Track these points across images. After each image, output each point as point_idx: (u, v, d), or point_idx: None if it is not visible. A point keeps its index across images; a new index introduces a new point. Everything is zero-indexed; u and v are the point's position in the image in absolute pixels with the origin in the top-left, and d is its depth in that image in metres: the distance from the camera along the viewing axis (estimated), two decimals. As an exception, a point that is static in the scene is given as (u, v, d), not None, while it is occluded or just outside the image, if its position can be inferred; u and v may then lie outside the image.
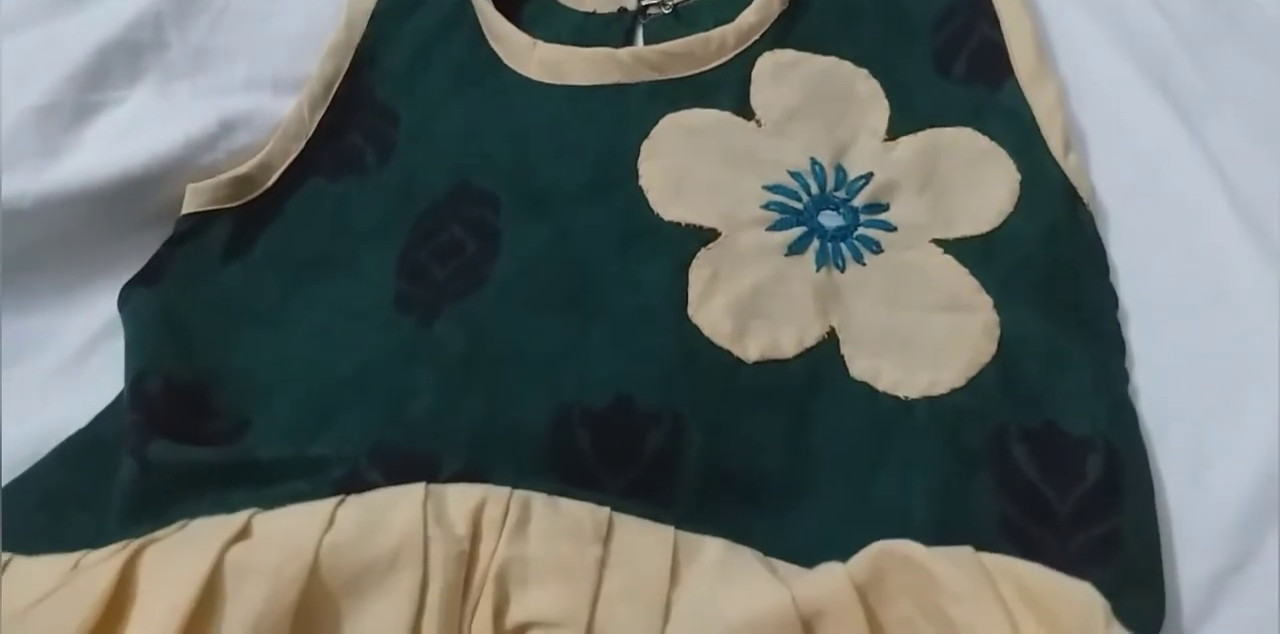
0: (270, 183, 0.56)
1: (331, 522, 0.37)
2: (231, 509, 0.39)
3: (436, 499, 0.38)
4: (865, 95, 0.55)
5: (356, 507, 0.38)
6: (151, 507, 0.40)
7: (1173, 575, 0.44)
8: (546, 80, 0.57)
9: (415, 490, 0.38)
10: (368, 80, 0.60)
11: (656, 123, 0.54)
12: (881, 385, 0.47)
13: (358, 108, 0.59)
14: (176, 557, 0.36)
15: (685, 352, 0.47)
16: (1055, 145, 0.53)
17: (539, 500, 0.39)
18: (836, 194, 0.52)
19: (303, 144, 0.57)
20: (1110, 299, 0.50)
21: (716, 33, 0.56)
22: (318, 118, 0.58)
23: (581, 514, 0.39)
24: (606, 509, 0.40)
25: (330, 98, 0.59)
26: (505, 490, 0.39)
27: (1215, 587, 0.44)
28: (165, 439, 0.43)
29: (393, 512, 0.38)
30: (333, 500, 0.38)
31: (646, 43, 0.59)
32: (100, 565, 0.36)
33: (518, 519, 0.38)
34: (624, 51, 0.56)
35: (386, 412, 0.46)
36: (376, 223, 0.54)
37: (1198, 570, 0.44)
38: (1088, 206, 0.52)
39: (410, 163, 0.56)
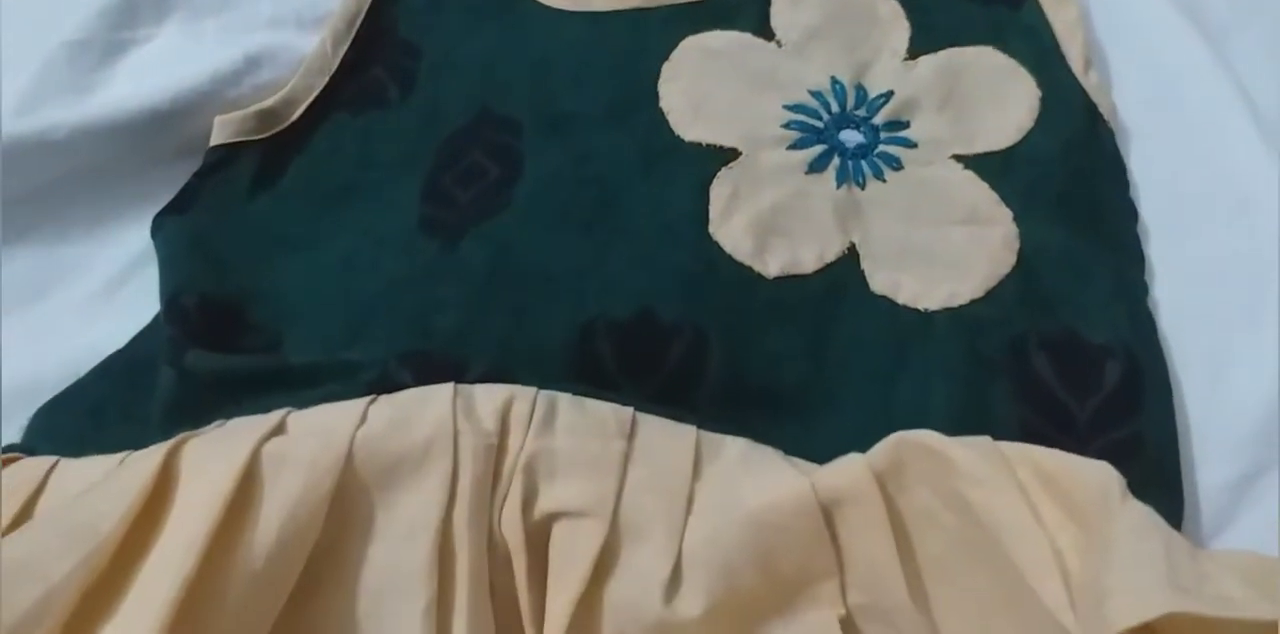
0: (295, 117, 0.57)
1: (364, 418, 0.38)
2: (268, 411, 0.40)
3: (465, 397, 0.39)
4: (886, 16, 0.56)
5: (388, 404, 0.39)
6: (190, 413, 0.41)
7: (1191, 482, 0.44)
8: (567, 8, 0.58)
9: (444, 389, 0.39)
10: (390, 16, 0.60)
11: (676, 45, 0.55)
12: (902, 298, 0.47)
13: (380, 43, 0.59)
14: (216, 449, 0.37)
15: (707, 267, 0.47)
16: (1075, 63, 0.53)
17: (564, 399, 0.40)
18: (857, 112, 0.53)
19: (326, 79, 0.58)
20: (1130, 213, 0.50)
21: (736, -45, 0.57)
22: (341, 53, 0.59)
23: (606, 413, 0.40)
24: (630, 409, 0.40)
25: (353, 34, 0.59)
26: (531, 390, 0.40)
27: (1234, 494, 0.45)
28: (201, 349, 0.44)
29: (423, 408, 0.39)
30: (365, 399, 0.39)
31: (667, -32, 0.60)
32: (144, 458, 0.37)
33: (544, 415, 0.39)
34: (647, -23, 0.57)
35: (414, 326, 0.46)
36: (400, 153, 0.55)
37: (1216, 478, 0.45)
38: (1108, 123, 0.52)
39: (432, 95, 0.57)
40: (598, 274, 0.47)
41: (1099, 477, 0.34)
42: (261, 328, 0.48)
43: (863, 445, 0.42)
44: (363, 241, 0.52)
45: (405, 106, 0.57)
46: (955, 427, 0.43)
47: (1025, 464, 0.36)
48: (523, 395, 0.40)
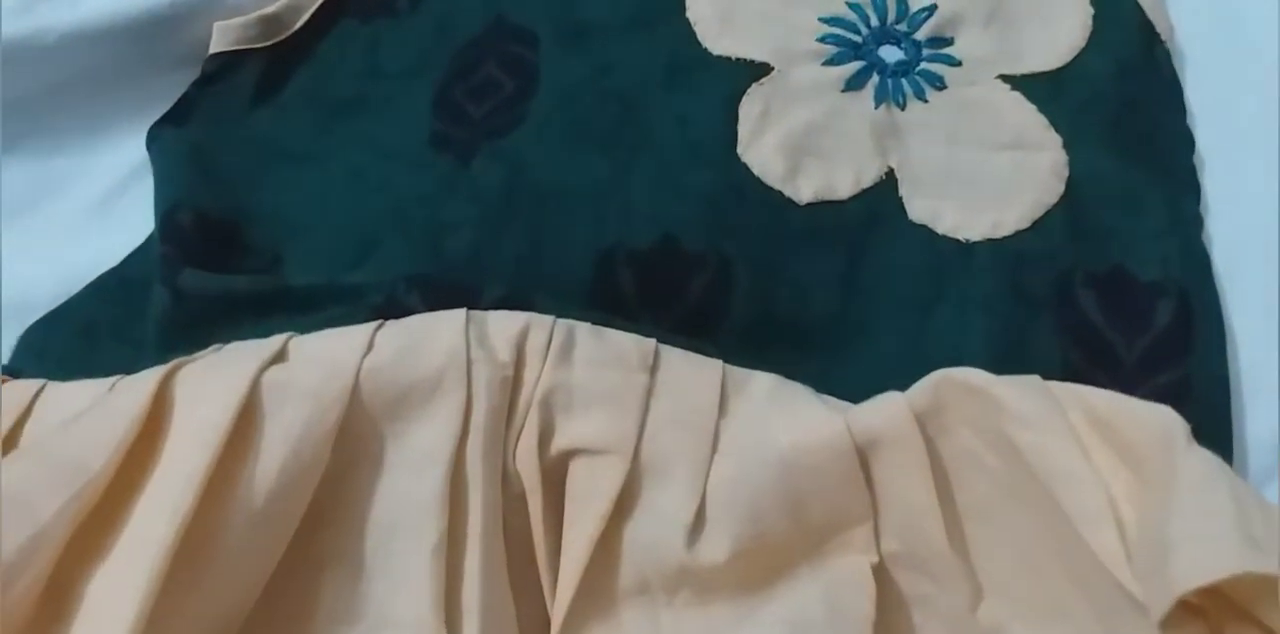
0: (300, 24, 0.54)
1: (371, 345, 0.36)
2: (267, 336, 0.37)
3: (478, 324, 0.37)
4: (929, -72, 0.52)
5: (396, 331, 0.37)
6: (185, 336, 0.39)
7: (1240, 431, 0.42)
8: None
9: (456, 315, 0.37)
10: (398, -77, 0.57)
11: None
12: (941, 228, 0.45)
13: None
14: (213, 376, 0.35)
15: (734, 191, 0.45)
16: (1132, -22, 0.50)
17: (583, 329, 0.38)
18: (897, 27, 0.49)
19: None
20: (1186, 140, 0.47)
21: None
22: None
23: (627, 344, 0.38)
24: (652, 340, 0.38)
25: None
26: (549, 318, 0.38)
27: (1283, 447, 0.42)
28: (197, 269, 0.41)
29: (434, 335, 0.36)
30: (371, 325, 0.37)
31: None
32: (136, 384, 0.34)
33: (562, 346, 0.37)
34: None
35: (425, 246, 0.44)
36: (409, 63, 0.52)
37: (1267, 427, 0.43)
38: (1165, 44, 0.49)
39: (443, 2, 0.53)
40: (617, 197, 0.45)
41: (1159, 421, 0.32)
42: (260, 249, 0.45)
43: (894, 381, 0.40)
44: (370, 156, 0.49)
45: (415, 14, 0.54)
46: (993, 363, 0.41)
47: (1076, 406, 0.33)
48: (539, 324, 0.37)
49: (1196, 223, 0.45)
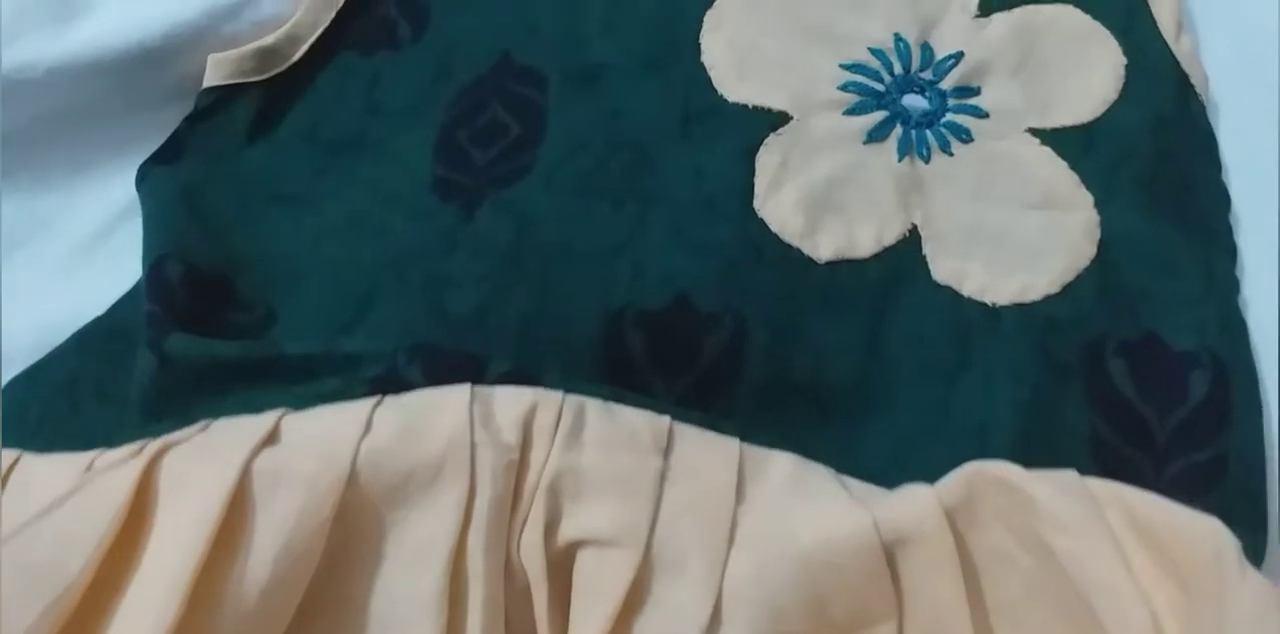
0: (298, 56, 0.52)
1: (369, 425, 0.34)
2: (258, 409, 0.36)
3: (483, 402, 0.35)
4: (956, -35, 0.50)
5: (396, 409, 0.35)
6: (172, 404, 0.37)
7: (1274, 513, 0.40)
8: None
9: (460, 392, 0.35)
10: (403, -58, 0.54)
11: None
12: (967, 290, 0.43)
13: None
14: (200, 463, 0.33)
15: (750, 248, 0.43)
16: (1166, 25, 0.48)
17: (594, 406, 0.36)
18: (922, 75, 0.47)
19: (333, 14, 0.53)
20: (1222, 197, 0.45)
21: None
22: None
23: (640, 423, 0.36)
24: (667, 418, 0.36)
25: None
26: (557, 394, 0.36)
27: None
28: (184, 331, 0.39)
29: (436, 415, 0.34)
30: (369, 401, 0.35)
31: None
32: (117, 471, 0.32)
33: (571, 426, 0.35)
34: (687, -89, 0.51)
35: (426, 304, 0.42)
36: (412, 100, 0.50)
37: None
38: (1200, 97, 0.47)
39: (447, 35, 0.51)
40: (629, 254, 0.43)
41: (1210, 536, 0.30)
42: (252, 303, 0.43)
43: (917, 452, 0.39)
44: (370, 200, 0.47)
45: (418, 47, 0.52)
46: (1020, 436, 0.40)
47: (1116, 506, 0.32)
48: (547, 402, 0.35)
49: (1233, 286, 0.44)
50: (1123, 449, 0.40)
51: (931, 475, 0.36)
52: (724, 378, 0.41)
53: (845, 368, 0.42)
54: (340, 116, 0.50)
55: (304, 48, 0.52)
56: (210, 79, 0.50)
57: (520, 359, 0.39)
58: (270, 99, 0.50)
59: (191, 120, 0.50)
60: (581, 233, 0.43)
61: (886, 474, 0.37)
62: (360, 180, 0.48)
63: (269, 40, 0.51)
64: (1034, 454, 0.38)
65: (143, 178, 0.48)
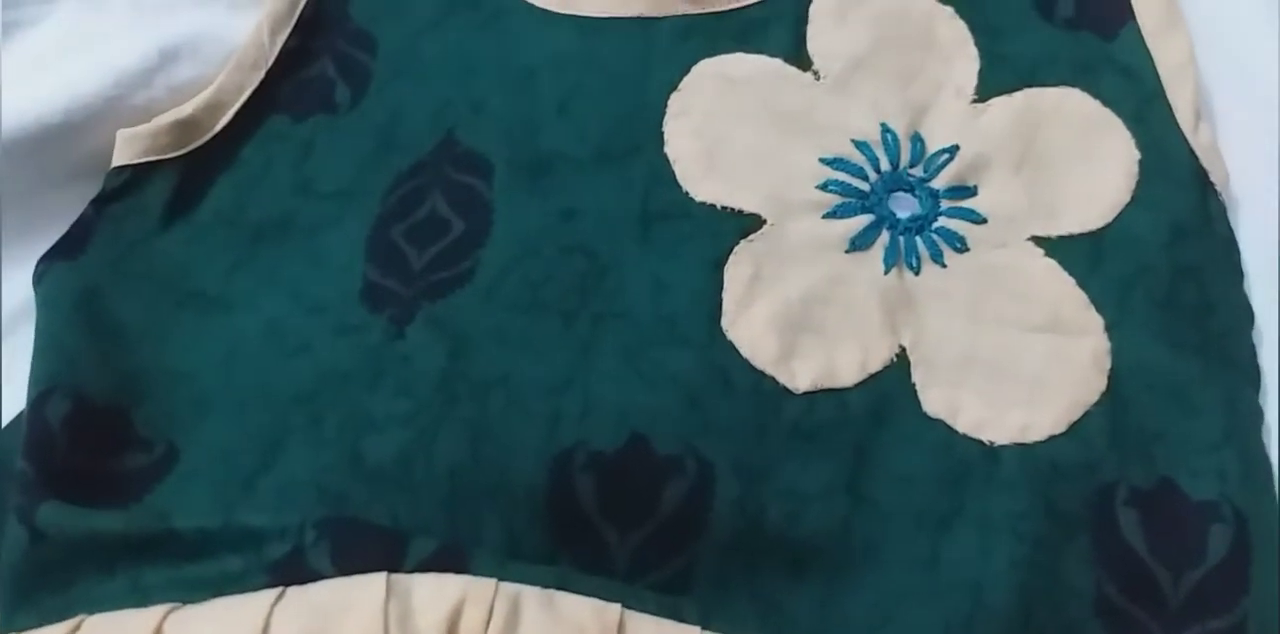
0: (220, 126, 0.47)
1: (267, 628, 0.29)
2: (145, 594, 0.31)
3: (401, 598, 0.30)
4: (949, 41, 0.45)
5: (299, 608, 0.30)
6: (47, 582, 0.33)
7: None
8: (552, 8, 0.46)
9: (374, 585, 0.30)
10: (342, -6, 0.49)
11: (688, 70, 0.44)
12: (961, 425, 0.38)
13: (328, 29, 0.49)
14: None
15: (716, 377, 0.38)
16: (1184, 114, 0.43)
17: (531, 597, 0.31)
18: (912, 172, 0.42)
19: (261, 75, 0.47)
20: (1244, 316, 0.41)
21: (767, -47, 0.45)
22: (280, 42, 0.48)
23: (584, 615, 0.31)
24: (616, 607, 0.32)
25: (296, 16, 0.49)
26: (489, 584, 0.31)
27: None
28: (65, 491, 0.34)
29: (344, 616, 0.30)
30: (269, 595, 0.30)
31: (678, -37, 0.48)
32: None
33: (505, 624, 0.30)
34: (650, -24, 0.46)
35: (341, 450, 0.37)
36: (345, 182, 0.45)
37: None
38: (1220, 196, 0.42)
39: (388, 103, 0.46)
40: (578, 384, 0.38)
41: None
42: (152, 439, 0.38)
43: (904, 613, 0.36)
44: (291, 308, 0.42)
45: (356, 114, 0.47)
46: (1018, 595, 0.36)
47: None
48: (477, 595, 0.31)
49: (1256, 418, 0.39)
50: (1131, 612, 0.36)
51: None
52: (686, 530, 0.36)
53: (824, 517, 0.37)
54: (266, 195, 0.45)
55: (228, 116, 0.47)
56: (120, 157, 0.45)
57: (449, 516, 0.34)
58: (188, 177, 0.46)
59: (99, 203, 0.45)
60: (524, 360, 0.38)
61: None
62: (283, 281, 0.43)
63: (187, 110, 0.46)
64: (1034, 616, 0.35)
65: (40, 277, 0.43)
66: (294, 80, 0.47)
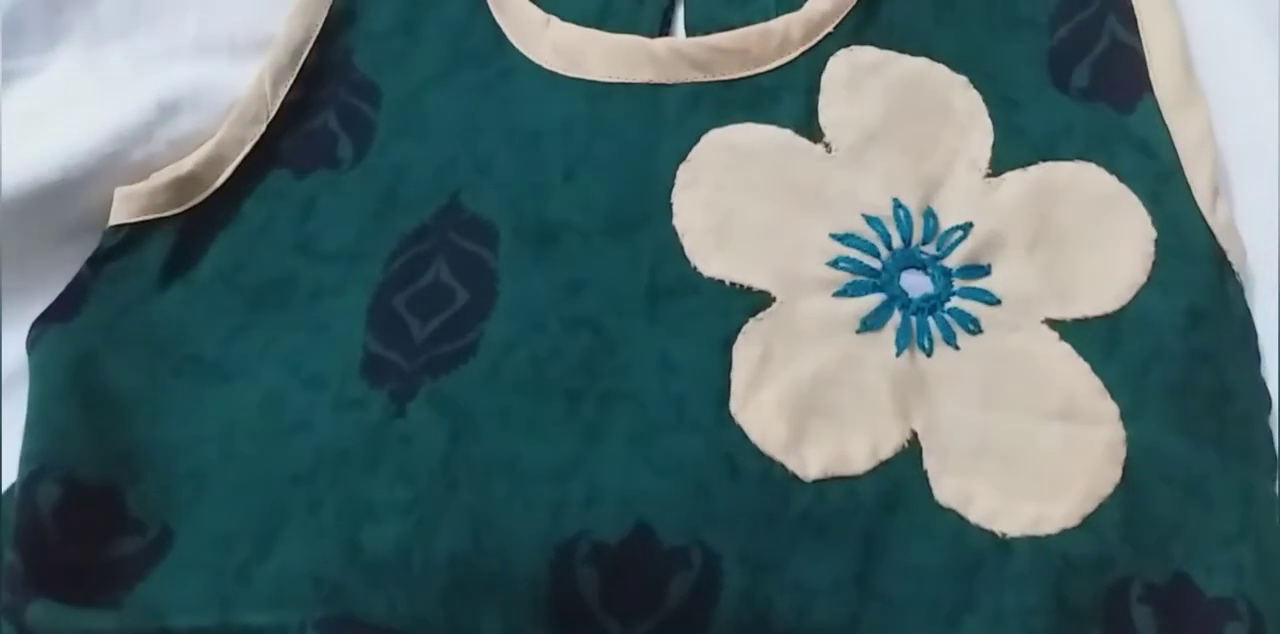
0: (220, 181, 0.46)
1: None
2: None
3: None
4: (964, 112, 0.44)
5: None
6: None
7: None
8: (560, 70, 0.46)
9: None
10: (345, 44, 0.48)
11: (697, 140, 0.43)
12: (974, 515, 0.37)
13: (331, 79, 0.48)
14: None
15: (724, 465, 0.37)
16: (1201, 191, 0.42)
17: None
18: (925, 249, 0.42)
19: (263, 128, 0.46)
20: (1261, 400, 0.40)
21: (779, 23, 0.44)
22: (282, 95, 0.47)
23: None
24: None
25: (299, 68, 0.48)
26: None
27: None
28: (54, 586, 0.33)
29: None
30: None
31: (689, 30, 0.47)
32: None
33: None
34: (659, 42, 0.45)
35: (341, 540, 0.36)
36: (348, 241, 0.44)
37: None
38: (1237, 276, 0.41)
39: (393, 161, 0.45)
40: (583, 471, 0.37)
41: None
42: (146, 521, 0.38)
43: None
44: (290, 380, 0.41)
45: (360, 170, 0.46)
46: None
47: None
48: None
49: (1273, 511, 0.38)
50: None
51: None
52: (691, 624, 0.36)
53: (832, 611, 0.36)
54: (267, 254, 0.44)
55: (229, 169, 0.46)
56: (117, 216, 0.45)
57: (448, 609, 0.34)
58: (187, 234, 0.45)
59: (95, 262, 0.44)
60: (528, 444, 0.38)
61: None
62: (283, 349, 0.42)
63: (186, 167, 0.45)
64: (1045, 713, 0.34)
65: (34, 342, 0.42)
66: (296, 133, 0.47)
